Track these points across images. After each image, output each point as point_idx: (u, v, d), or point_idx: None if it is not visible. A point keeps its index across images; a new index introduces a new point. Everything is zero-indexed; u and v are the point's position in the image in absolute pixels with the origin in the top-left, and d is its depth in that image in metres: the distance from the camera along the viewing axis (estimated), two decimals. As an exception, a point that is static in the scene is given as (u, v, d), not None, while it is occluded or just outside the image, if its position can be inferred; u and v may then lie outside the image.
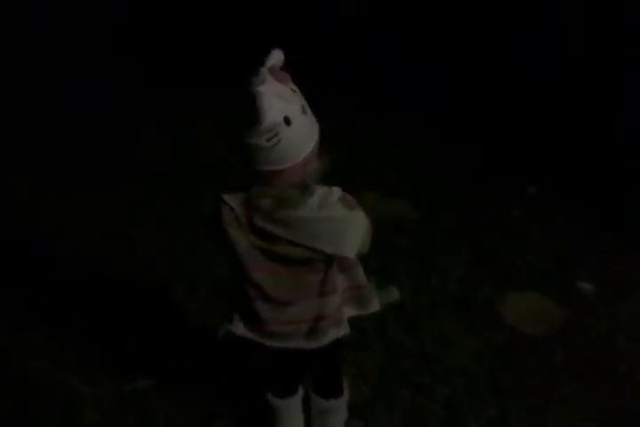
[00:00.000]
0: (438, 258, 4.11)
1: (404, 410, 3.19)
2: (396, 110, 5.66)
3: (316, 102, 2.23)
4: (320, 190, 2.25)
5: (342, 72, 6.06)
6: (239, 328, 2.51)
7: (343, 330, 2.55)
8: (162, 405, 3.19)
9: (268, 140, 2.09)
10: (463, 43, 6.11)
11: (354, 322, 3.44)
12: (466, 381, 3.33)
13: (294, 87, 2.19)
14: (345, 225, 2.26)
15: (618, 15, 5.31)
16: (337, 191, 2.27)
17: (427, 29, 6.30)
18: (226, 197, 2.27)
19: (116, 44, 6.72)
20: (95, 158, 5.16)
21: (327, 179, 2.33)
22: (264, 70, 2.09)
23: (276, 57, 2.15)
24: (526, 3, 5.89)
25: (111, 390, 3.27)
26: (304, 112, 2.17)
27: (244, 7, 6.83)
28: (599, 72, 5.31)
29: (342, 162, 4.80)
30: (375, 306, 2.65)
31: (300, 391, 2.94)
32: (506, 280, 3.96)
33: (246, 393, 3.15)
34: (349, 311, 2.59)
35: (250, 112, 2.08)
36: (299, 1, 6.73)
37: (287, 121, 2.10)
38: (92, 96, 5.79)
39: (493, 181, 4.86)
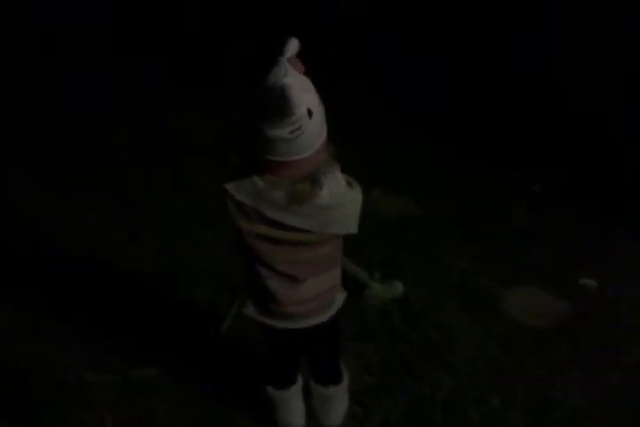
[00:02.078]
0: (442, 253, 4.21)
1: (406, 399, 3.28)
2: (399, 109, 5.75)
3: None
4: (328, 182, 2.29)
5: (343, 71, 6.08)
6: (250, 311, 2.61)
7: (343, 294, 2.70)
8: (165, 392, 3.29)
9: (292, 132, 2.12)
10: (464, 42, 6.22)
11: (357, 315, 3.62)
12: (469, 370, 3.42)
13: (307, 77, 2.22)
14: (353, 207, 2.36)
15: (617, 16, 5.39)
16: (341, 178, 2.34)
17: (426, 30, 6.40)
18: (228, 187, 2.30)
19: (116, 44, 6.80)
20: (94, 156, 5.24)
21: None
22: (285, 60, 2.13)
23: (293, 46, 2.17)
24: (526, 2, 6.00)
25: (116, 377, 3.36)
26: (320, 104, 2.22)
27: (244, 7, 6.93)
28: (599, 72, 5.39)
29: (347, 159, 4.98)
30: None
31: (300, 381, 3.01)
32: (509, 275, 4.04)
33: (248, 382, 3.22)
34: None
35: (277, 104, 2.09)
36: (299, 1, 6.84)
37: (310, 113, 2.14)
38: (93, 96, 5.88)
39: (498, 180, 4.96)
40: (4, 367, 3.43)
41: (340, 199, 2.31)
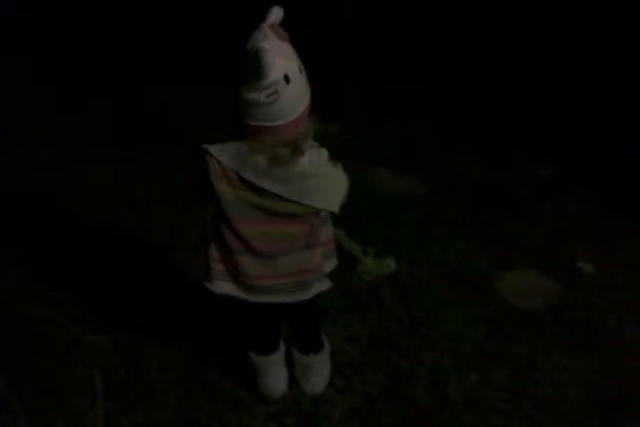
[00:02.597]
0: (439, 233, 4.26)
1: (388, 373, 3.35)
2: (406, 89, 5.83)
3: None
4: (310, 150, 2.41)
5: (354, 47, 6.26)
6: (219, 286, 2.68)
7: (325, 285, 2.76)
8: (154, 355, 3.42)
9: (268, 96, 2.21)
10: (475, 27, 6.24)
11: (347, 288, 3.73)
12: (453, 347, 3.48)
13: (291, 46, 2.29)
14: (333, 182, 2.46)
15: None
16: (324, 151, 2.44)
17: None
18: (211, 149, 2.39)
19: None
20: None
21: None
22: (265, 26, 2.22)
23: (276, 13, 2.25)
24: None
25: (108, 338, 3.50)
26: (301, 71, 2.29)
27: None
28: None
29: (352, 138, 4.99)
30: (336, 261, 2.85)
31: (282, 348, 3.12)
32: (505, 257, 4.08)
33: (235, 348, 3.30)
34: (326, 266, 2.78)
35: (251, 68, 2.17)
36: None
37: (287, 79, 2.22)
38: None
39: (504, 163, 5.01)
40: (3, 324, 3.59)
41: (320, 170, 2.40)
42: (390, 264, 3.92)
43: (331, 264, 2.82)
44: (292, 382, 3.21)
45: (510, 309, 3.73)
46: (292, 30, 2.29)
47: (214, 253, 2.64)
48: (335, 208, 2.46)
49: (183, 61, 6.40)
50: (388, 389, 3.28)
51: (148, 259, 4.04)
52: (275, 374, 3.16)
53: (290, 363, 3.18)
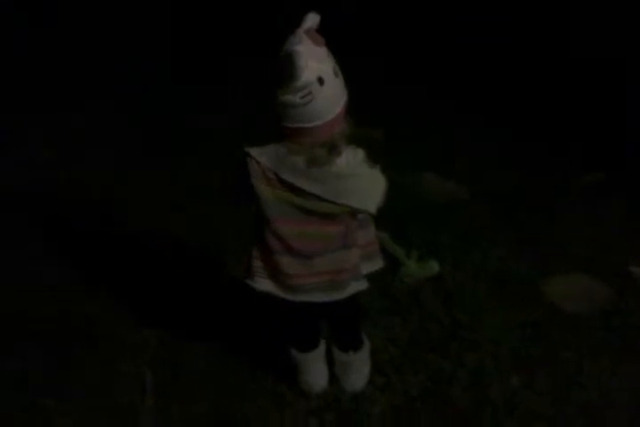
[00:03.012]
0: (484, 238, 4.24)
1: (428, 373, 3.34)
2: (456, 95, 5.81)
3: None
4: (347, 150, 2.48)
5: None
6: (261, 284, 2.76)
7: (362, 285, 2.81)
8: (198, 351, 3.50)
9: (302, 97, 2.31)
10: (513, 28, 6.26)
11: (388, 290, 3.78)
12: (495, 350, 3.45)
13: (327, 50, 2.41)
14: (370, 183, 2.52)
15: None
16: (361, 152, 2.52)
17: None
18: (252, 151, 2.49)
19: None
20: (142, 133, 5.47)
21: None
22: (300, 31, 2.33)
23: (312, 20, 2.37)
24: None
25: (153, 335, 3.59)
26: (336, 74, 2.40)
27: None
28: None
29: (403, 142, 5.02)
30: (380, 263, 2.90)
31: (322, 345, 3.17)
32: (552, 261, 4.04)
33: (276, 346, 3.33)
34: (365, 268, 2.83)
35: (286, 70, 2.28)
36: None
37: (321, 81, 2.32)
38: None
39: (550, 168, 4.95)
40: (51, 322, 3.69)
41: (357, 170, 2.48)
42: (433, 267, 3.93)
43: (374, 265, 2.88)
44: (333, 378, 3.24)
45: (557, 313, 3.69)
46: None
47: (255, 252, 2.73)
48: (372, 209, 2.51)
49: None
50: (427, 389, 3.27)
51: (191, 262, 4.11)
52: (315, 371, 3.20)
53: (330, 360, 3.21)
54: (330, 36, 2.16)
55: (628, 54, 5.55)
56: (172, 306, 3.76)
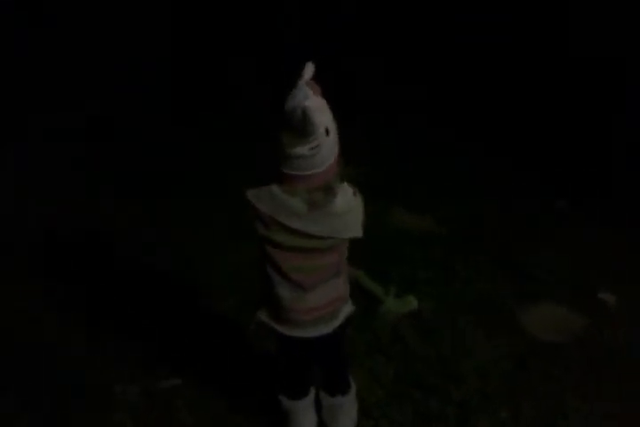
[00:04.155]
0: (460, 270, 4.32)
1: (415, 411, 3.42)
2: (407, 88, 5.96)
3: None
4: (338, 189, 2.51)
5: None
6: (266, 318, 2.82)
7: (350, 307, 2.88)
8: (186, 402, 3.51)
9: (311, 149, 2.36)
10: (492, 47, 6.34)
11: (370, 329, 3.80)
12: (481, 384, 3.54)
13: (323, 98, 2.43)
14: (359, 212, 2.59)
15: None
16: (347, 187, 2.58)
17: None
18: (249, 195, 2.52)
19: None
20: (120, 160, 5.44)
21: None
22: (303, 83, 2.35)
23: (310, 69, 2.39)
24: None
25: (138, 388, 3.58)
26: (334, 120, 2.44)
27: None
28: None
29: (369, 178, 5.01)
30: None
31: (312, 393, 3.19)
32: (528, 291, 4.14)
33: (265, 392, 3.39)
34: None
35: (296, 125, 2.31)
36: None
37: (327, 132, 2.38)
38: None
39: (521, 196, 5.02)
40: (37, 367, 3.68)
41: (351, 205, 2.55)
42: (412, 302, 4.00)
43: (349, 287, 2.91)
44: (320, 425, 3.28)
45: (537, 343, 3.79)
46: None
47: (262, 290, 2.77)
48: (361, 233, 2.57)
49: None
50: None
51: (176, 305, 4.11)
52: (305, 419, 3.23)
53: (318, 406, 3.24)
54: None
55: (628, 54, 5.65)
56: (157, 354, 3.75)
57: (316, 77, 2.38)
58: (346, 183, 2.56)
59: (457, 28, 6.63)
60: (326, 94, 2.40)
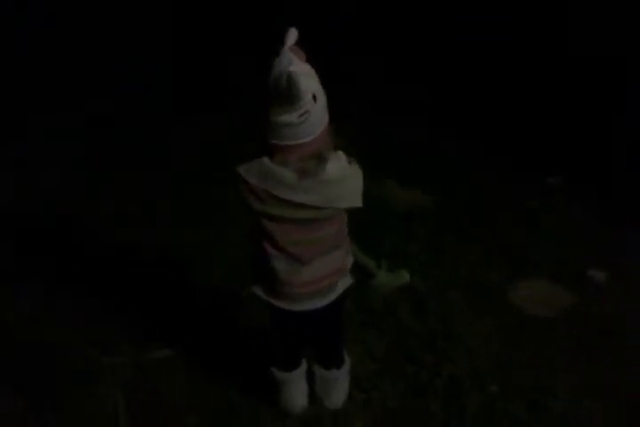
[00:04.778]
0: (451, 245, 4.40)
1: (406, 385, 3.48)
2: (415, 103, 5.97)
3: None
4: (331, 156, 2.50)
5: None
6: (260, 292, 2.84)
7: (349, 280, 2.90)
8: (176, 374, 3.57)
9: (300, 116, 2.36)
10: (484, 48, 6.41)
11: (363, 302, 3.86)
12: (470, 359, 3.61)
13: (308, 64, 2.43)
14: (355, 180, 2.57)
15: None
16: (341, 154, 2.55)
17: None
18: (240, 170, 2.53)
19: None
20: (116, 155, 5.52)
21: None
22: (286, 49, 2.35)
23: (293, 35, 2.39)
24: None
25: (129, 360, 3.64)
26: (321, 88, 2.44)
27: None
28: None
29: (362, 152, 5.10)
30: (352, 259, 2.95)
31: (304, 364, 3.23)
32: (518, 267, 4.21)
33: (256, 365, 3.43)
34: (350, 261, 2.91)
35: (283, 92, 2.31)
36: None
37: (315, 98, 2.37)
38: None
39: (512, 173, 5.10)
40: (23, 349, 3.73)
41: (344, 172, 2.51)
42: (404, 276, 4.06)
43: (351, 259, 2.94)
44: (311, 397, 3.33)
45: (527, 319, 3.86)
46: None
47: (255, 264, 2.80)
48: (360, 203, 2.57)
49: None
50: (405, 401, 3.41)
51: (166, 279, 4.19)
52: (296, 390, 3.28)
53: (310, 378, 3.29)
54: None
55: (628, 54, 5.68)
56: (147, 329, 3.80)
57: (301, 43, 2.38)
58: (340, 151, 2.54)
59: (457, 28, 6.69)
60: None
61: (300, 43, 2.39)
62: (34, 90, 6.20)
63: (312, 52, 2.45)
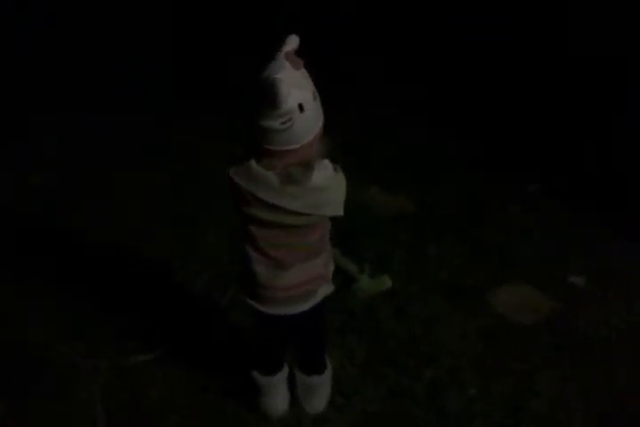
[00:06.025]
0: (433, 250, 4.49)
1: (387, 389, 3.60)
2: (397, 107, 6.06)
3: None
4: (318, 165, 2.56)
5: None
6: (244, 295, 2.95)
7: (330, 287, 3.00)
8: (156, 377, 3.69)
9: (283, 123, 2.41)
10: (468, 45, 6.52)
11: (344, 307, 3.98)
12: (450, 363, 3.72)
13: (306, 72, 2.50)
14: (339, 190, 2.64)
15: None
16: (327, 162, 2.61)
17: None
18: (231, 172, 2.60)
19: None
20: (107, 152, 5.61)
21: None
22: (281, 56, 2.43)
23: (292, 42, 2.47)
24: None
25: (108, 363, 3.76)
26: (314, 97, 2.49)
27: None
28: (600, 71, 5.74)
29: (345, 157, 5.14)
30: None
31: (285, 369, 3.34)
32: (499, 272, 4.31)
33: (236, 369, 3.57)
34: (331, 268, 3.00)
35: (267, 97, 2.37)
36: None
37: (301, 108, 2.42)
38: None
39: (494, 179, 5.16)
40: (2, 350, 3.84)
41: (329, 182, 2.57)
42: (386, 281, 4.16)
43: (333, 267, 3.04)
44: (293, 400, 3.45)
45: (507, 324, 3.96)
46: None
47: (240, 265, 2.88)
48: (342, 212, 2.64)
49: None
50: (386, 405, 3.53)
51: (147, 281, 4.30)
52: (277, 394, 3.39)
53: (291, 382, 3.41)
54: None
55: (628, 54, 5.75)
56: (126, 331, 3.91)
57: (301, 44, 2.45)
58: (326, 160, 2.59)
59: (457, 28, 6.74)
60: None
61: (301, 43, 2.47)
62: (34, 90, 6.26)
63: (312, 51, 2.53)
